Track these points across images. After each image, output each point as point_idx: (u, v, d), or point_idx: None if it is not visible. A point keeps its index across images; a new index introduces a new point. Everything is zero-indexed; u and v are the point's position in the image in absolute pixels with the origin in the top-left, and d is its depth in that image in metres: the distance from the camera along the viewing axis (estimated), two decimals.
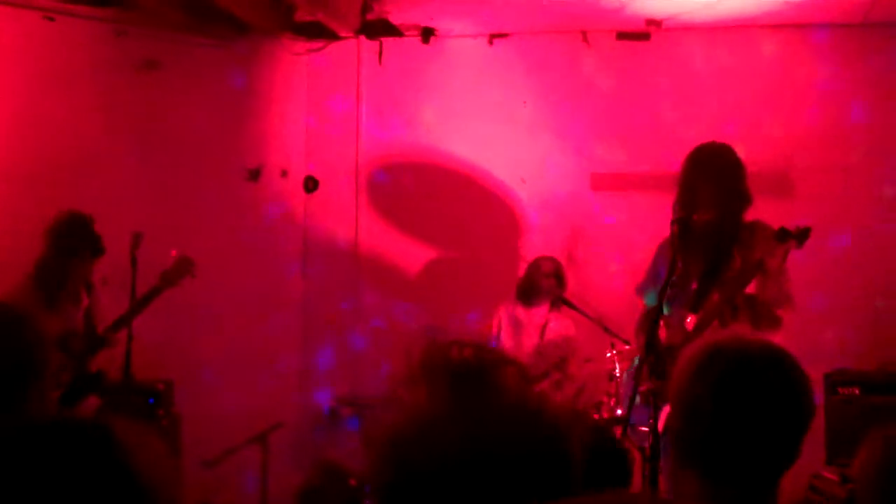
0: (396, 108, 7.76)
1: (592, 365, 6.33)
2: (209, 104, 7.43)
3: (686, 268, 4.69)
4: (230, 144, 7.52)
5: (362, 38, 7.64)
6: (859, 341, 6.67)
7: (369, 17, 7.23)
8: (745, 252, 4.62)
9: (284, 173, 7.77)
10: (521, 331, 6.54)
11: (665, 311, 4.60)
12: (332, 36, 7.58)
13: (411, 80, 7.73)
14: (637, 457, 4.65)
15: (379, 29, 7.49)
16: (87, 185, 6.60)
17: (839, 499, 4.93)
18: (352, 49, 7.73)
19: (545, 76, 7.52)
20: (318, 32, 7.52)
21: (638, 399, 4.31)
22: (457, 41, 7.64)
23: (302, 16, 7.27)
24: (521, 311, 6.60)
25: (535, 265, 6.68)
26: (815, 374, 5.31)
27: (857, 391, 5.83)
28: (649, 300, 4.80)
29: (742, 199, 4.70)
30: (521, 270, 6.83)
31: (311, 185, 7.82)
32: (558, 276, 6.60)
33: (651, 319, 4.40)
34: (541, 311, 6.57)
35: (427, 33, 7.59)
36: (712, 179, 4.64)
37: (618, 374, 5.86)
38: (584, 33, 7.34)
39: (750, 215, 4.74)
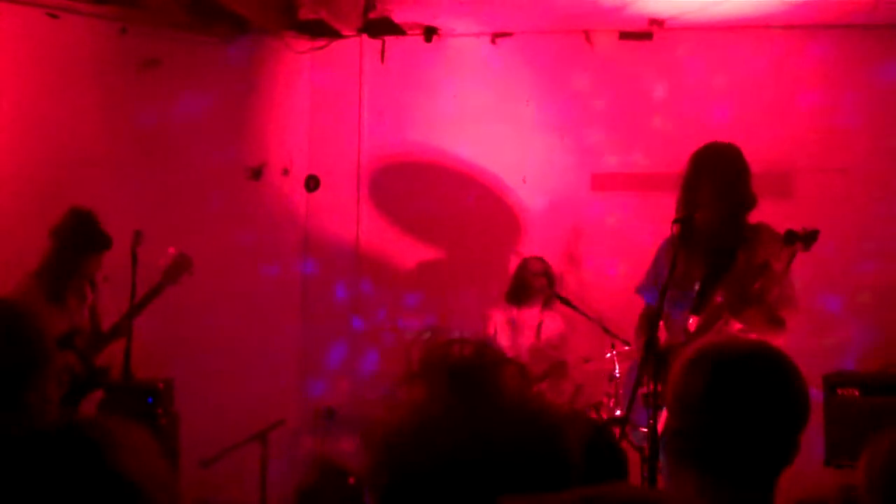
0: (398, 106, 7.76)
1: (592, 365, 6.33)
2: (211, 102, 7.44)
3: (688, 269, 4.68)
4: (232, 143, 7.53)
5: (365, 36, 7.64)
6: (859, 343, 6.67)
7: (372, 15, 7.22)
8: (749, 254, 4.61)
9: (286, 172, 7.77)
10: (516, 332, 6.54)
11: (666, 312, 4.60)
12: (335, 34, 7.58)
13: (413, 79, 7.73)
14: (636, 457, 4.65)
15: (381, 27, 7.49)
16: (88, 182, 6.60)
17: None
18: (354, 48, 7.73)
19: (547, 76, 7.52)
20: (321, 31, 7.52)
21: (638, 399, 4.31)
22: (459, 40, 7.64)
23: (304, 14, 7.28)
24: (514, 313, 6.60)
25: (523, 266, 6.67)
26: (815, 375, 5.34)
27: (856, 392, 5.83)
28: (650, 300, 4.80)
29: (746, 200, 4.69)
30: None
31: (312, 183, 7.83)
32: (548, 276, 6.59)
33: (651, 320, 4.40)
34: (533, 312, 6.57)
35: (430, 32, 7.59)
36: (716, 179, 4.63)
37: (618, 375, 5.86)
38: (586, 33, 7.34)
39: (752, 217, 4.74)
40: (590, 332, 6.38)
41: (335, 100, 7.86)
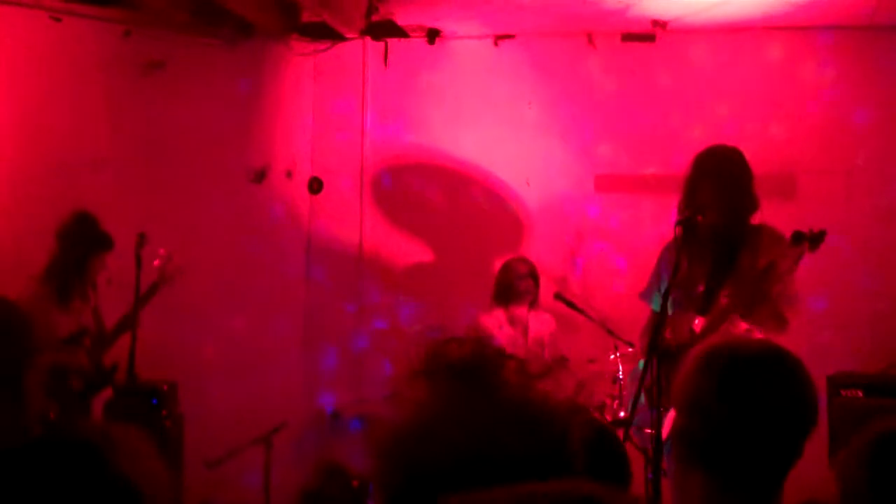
0: (401, 109, 7.77)
1: (595, 366, 6.32)
2: (215, 105, 7.44)
3: (691, 270, 4.69)
4: (235, 145, 7.53)
5: (367, 39, 7.65)
6: (863, 344, 6.66)
7: (375, 18, 7.22)
8: (752, 255, 4.62)
9: (289, 174, 7.77)
10: (504, 333, 6.51)
11: (671, 313, 4.61)
12: (338, 37, 7.59)
13: (416, 82, 7.74)
14: (641, 458, 4.66)
15: (384, 30, 7.49)
16: (92, 185, 6.61)
17: None
18: (357, 50, 7.74)
19: (550, 78, 7.52)
20: (324, 33, 7.53)
21: (643, 400, 4.32)
22: (462, 42, 7.65)
23: (307, 17, 7.29)
24: (503, 314, 6.57)
25: (508, 268, 6.59)
26: (818, 376, 5.32)
27: (860, 393, 5.82)
28: (655, 305, 4.80)
29: (748, 202, 4.70)
30: (507, 272, 6.78)
31: (315, 186, 7.83)
32: (534, 276, 6.56)
33: (656, 322, 4.40)
34: (520, 312, 6.54)
35: (432, 34, 7.59)
36: (718, 182, 4.64)
37: (621, 377, 5.86)
38: (589, 35, 7.34)
39: (755, 218, 4.75)
40: (593, 333, 6.37)
41: (338, 102, 7.87)
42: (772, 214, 4.80)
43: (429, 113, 7.70)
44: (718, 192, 4.62)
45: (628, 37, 7.27)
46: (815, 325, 6.28)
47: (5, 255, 6.10)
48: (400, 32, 7.55)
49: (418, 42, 7.64)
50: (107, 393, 5.74)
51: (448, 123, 7.64)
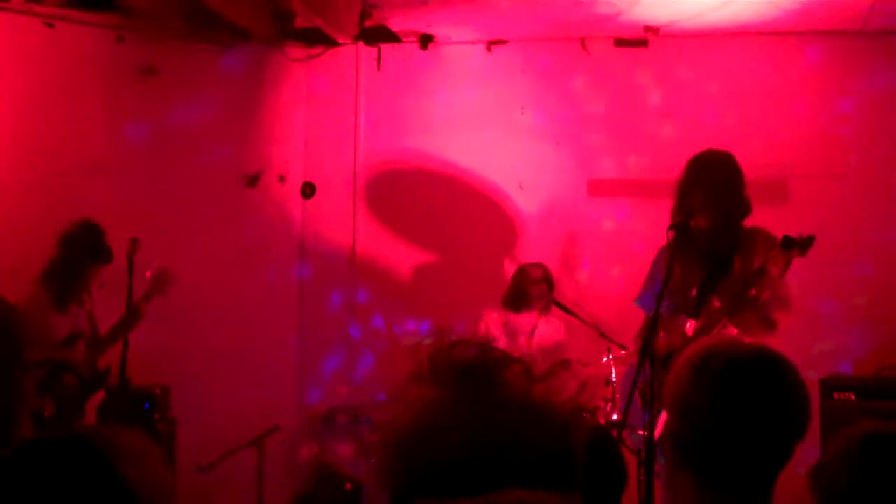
0: (395, 114, 7.77)
1: (588, 370, 6.33)
2: (208, 110, 7.45)
3: (685, 274, 4.71)
4: (228, 150, 7.53)
5: (361, 44, 7.66)
6: (855, 347, 6.68)
7: (368, 23, 7.24)
8: (746, 259, 4.64)
9: (282, 179, 7.78)
10: (511, 336, 6.53)
11: (664, 316, 4.62)
12: (331, 42, 7.59)
13: (410, 87, 7.75)
14: (633, 460, 4.66)
15: (377, 35, 7.50)
16: (85, 190, 6.62)
17: None
18: (350, 55, 7.75)
19: (543, 83, 7.54)
20: (317, 39, 7.53)
21: (637, 403, 4.33)
22: (455, 48, 7.66)
23: (301, 22, 7.29)
24: (511, 317, 6.60)
25: (522, 272, 6.66)
26: (811, 379, 5.35)
27: (852, 397, 5.84)
28: (650, 310, 4.81)
29: (740, 206, 4.72)
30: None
31: (308, 190, 7.83)
32: (548, 281, 6.60)
33: (649, 325, 4.42)
34: (529, 317, 6.57)
35: (425, 40, 7.61)
36: (710, 186, 4.66)
37: (614, 379, 5.87)
38: (582, 40, 7.36)
39: (748, 222, 4.77)
40: (586, 336, 6.38)
41: (331, 107, 7.87)
42: (765, 219, 4.82)
43: (422, 118, 7.70)
44: (711, 196, 4.64)
45: (621, 42, 7.29)
46: (808, 327, 6.30)
47: (1, 259, 6.10)
48: (393, 38, 7.56)
49: (411, 47, 7.65)
50: (100, 396, 5.74)
51: (441, 129, 7.64)
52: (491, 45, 7.56)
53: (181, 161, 7.28)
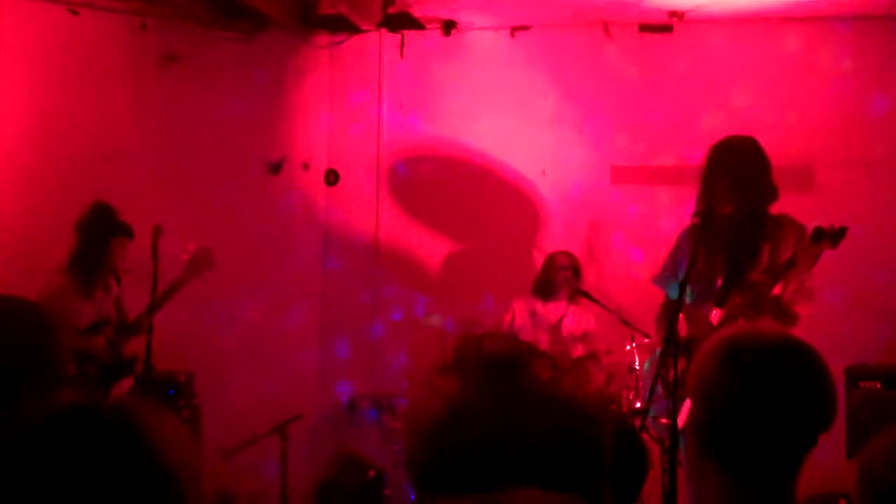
0: (418, 100, 7.76)
1: (612, 357, 6.32)
2: (231, 97, 7.46)
3: (709, 262, 4.68)
4: (252, 137, 7.55)
5: (384, 31, 7.64)
6: (881, 335, 6.63)
7: (391, 10, 7.23)
8: (775, 247, 4.60)
9: (306, 166, 7.78)
10: (538, 325, 6.53)
11: (688, 304, 4.60)
12: (354, 29, 7.59)
13: (433, 73, 7.73)
14: (656, 449, 4.65)
15: (400, 22, 7.49)
16: (110, 177, 6.64)
17: None
18: (373, 42, 7.74)
19: (567, 69, 7.51)
20: (340, 26, 7.53)
21: (660, 391, 4.31)
22: (478, 34, 7.64)
23: (324, 9, 7.29)
24: (539, 306, 6.59)
25: (550, 259, 6.67)
26: (836, 367, 5.31)
27: (878, 385, 5.80)
28: (672, 292, 4.78)
29: (766, 192, 4.68)
30: (541, 263, 6.82)
31: (332, 177, 7.84)
32: (575, 269, 6.59)
33: (672, 312, 4.39)
34: (559, 306, 6.57)
35: (448, 26, 7.59)
36: (734, 172, 4.62)
37: (637, 367, 5.85)
38: (605, 25, 7.32)
39: (774, 209, 4.73)
40: (610, 324, 6.37)
41: (354, 94, 7.87)
42: (791, 206, 4.78)
43: (445, 104, 7.69)
44: (735, 182, 4.60)
45: (645, 28, 7.24)
46: (834, 316, 6.25)
47: (26, 247, 6.14)
48: (416, 24, 7.54)
49: (434, 34, 7.63)
50: (126, 384, 5.76)
51: (464, 115, 7.63)
52: (514, 30, 7.53)
53: (205, 149, 7.30)
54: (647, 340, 5.87)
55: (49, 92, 6.62)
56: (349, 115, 7.88)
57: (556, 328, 6.49)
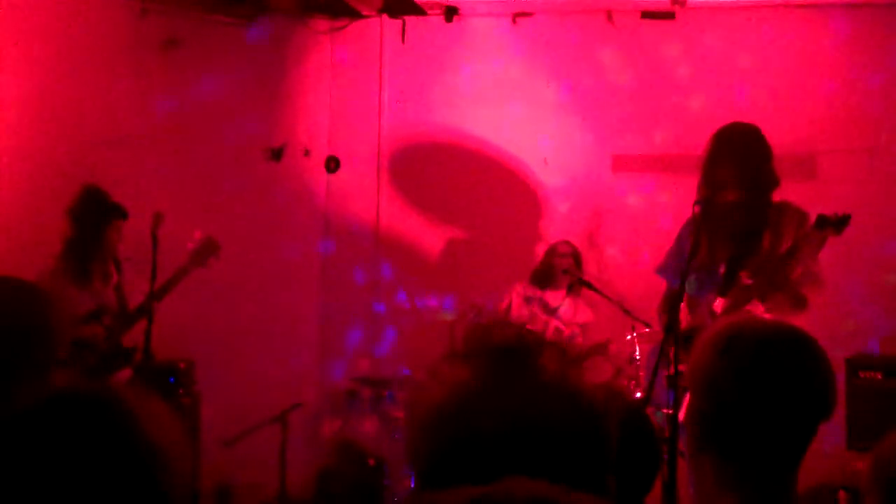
0: (419, 87, 7.74)
1: (612, 347, 6.31)
2: (232, 83, 7.43)
3: (711, 250, 4.66)
4: (252, 123, 7.53)
5: (385, 16, 7.61)
6: (882, 326, 6.62)
7: None
8: (775, 234, 4.59)
9: (307, 153, 7.77)
10: (533, 312, 6.51)
11: (690, 293, 4.58)
12: (355, 14, 7.56)
13: (434, 59, 7.71)
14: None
15: (402, 7, 7.46)
16: (109, 163, 6.61)
17: None
18: (374, 28, 7.71)
19: (569, 56, 7.48)
20: (341, 11, 7.50)
21: (661, 381, 4.29)
22: (480, 20, 7.60)
23: None
24: (536, 293, 6.58)
25: (552, 248, 6.68)
26: (837, 358, 5.30)
27: (878, 376, 5.79)
28: (674, 282, 4.77)
29: (768, 180, 4.66)
30: (541, 251, 6.81)
31: (332, 164, 7.82)
32: (574, 257, 6.57)
33: (673, 301, 4.38)
34: (557, 295, 6.55)
35: (450, 12, 7.55)
36: (736, 160, 4.60)
37: (638, 357, 5.84)
38: (608, 13, 7.28)
39: (776, 196, 4.70)
40: (610, 314, 6.35)
41: (355, 80, 7.85)
42: (793, 194, 4.76)
43: (446, 91, 7.66)
44: (738, 169, 4.58)
45: (647, 14, 7.21)
46: (835, 306, 6.23)
47: (26, 232, 6.11)
48: (417, 10, 7.51)
49: (436, 20, 7.59)
50: (125, 374, 5.69)
51: (465, 102, 7.61)
52: (516, 17, 7.50)
53: (205, 134, 7.27)
54: (647, 330, 5.85)
55: (49, 77, 6.59)
56: (350, 102, 7.86)
57: (551, 316, 6.47)
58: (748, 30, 7.13)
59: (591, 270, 6.85)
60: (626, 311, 6.12)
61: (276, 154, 7.62)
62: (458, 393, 1.36)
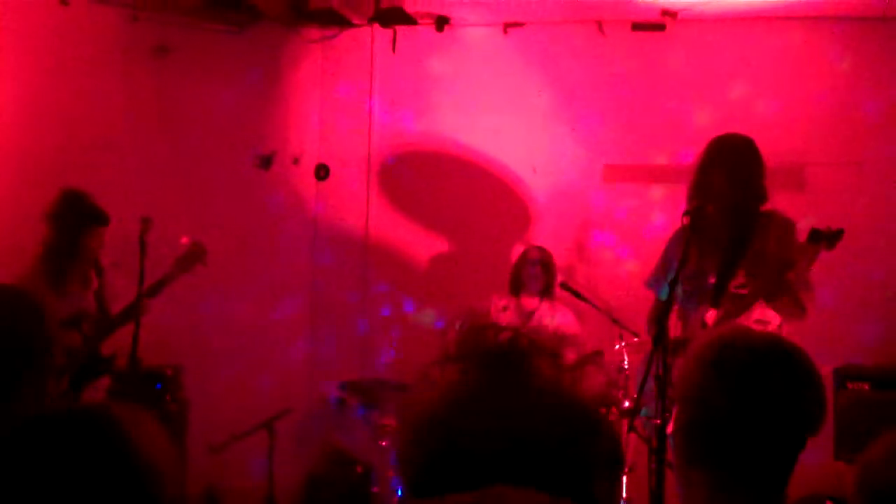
0: (409, 96, 7.74)
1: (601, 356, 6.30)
2: (222, 91, 7.43)
3: (701, 261, 4.66)
4: (242, 131, 7.52)
5: (376, 25, 7.61)
6: (870, 337, 6.63)
7: (383, 4, 7.20)
8: (762, 241, 4.60)
9: (296, 161, 7.76)
10: (509, 319, 6.49)
11: (680, 304, 4.58)
12: (346, 23, 7.55)
13: (425, 69, 7.71)
14: (644, 449, 4.64)
15: (393, 17, 7.46)
16: (98, 169, 6.59)
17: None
18: (365, 37, 7.71)
19: (560, 66, 7.49)
20: (332, 20, 7.49)
21: (650, 391, 4.30)
22: (471, 30, 7.61)
23: (315, 3, 7.25)
24: (512, 301, 6.59)
25: (522, 254, 6.68)
26: (825, 369, 5.31)
27: (866, 387, 5.81)
28: (663, 293, 4.77)
29: (759, 192, 4.67)
30: None
31: (322, 172, 7.82)
32: (545, 264, 6.56)
33: (661, 312, 4.38)
34: (531, 301, 6.56)
35: (441, 22, 7.56)
36: (728, 171, 4.62)
37: (626, 367, 5.84)
38: (599, 23, 7.30)
39: (764, 208, 4.72)
40: (599, 323, 6.35)
41: (346, 89, 7.85)
42: (782, 205, 4.78)
43: (436, 100, 7.67)
44: (729, 181, 4.59)
45: (638, 26, 7.22)
46: (823, 317, 6.23)
47: (14, 238, 6.08)
48: (408, 19, 7.51)
49: (427, 29, 7.60)
50: (104, 382, 5.58)
51: (456, 111, 7.61)
52: (507, 27, 7.51)
53: (195, 142, 7.27)
54: (636, 340, 5.85)
55: (39, 83, 6.57)
56: (340, 110, 7.86)
57: (526, 322, 6.46)
58: (738, 42, 7.16)
59: (580, 280, 6.85)
60: (615, 321, 6.12)
61: (266, 161, 7.61)
62: (449, 396, 1.35)
